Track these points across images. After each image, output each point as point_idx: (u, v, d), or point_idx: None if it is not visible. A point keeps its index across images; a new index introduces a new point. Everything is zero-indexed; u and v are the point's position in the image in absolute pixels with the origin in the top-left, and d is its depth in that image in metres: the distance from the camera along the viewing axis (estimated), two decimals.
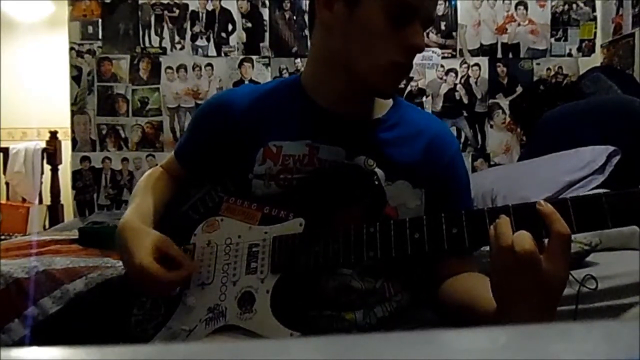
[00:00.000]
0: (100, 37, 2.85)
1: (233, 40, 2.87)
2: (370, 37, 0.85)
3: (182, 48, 2.87)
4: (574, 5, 2.88)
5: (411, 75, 2.86)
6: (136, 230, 0.89)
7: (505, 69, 2.87)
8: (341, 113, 0.93)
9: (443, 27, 2.87)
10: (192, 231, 0.94)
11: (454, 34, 2.87)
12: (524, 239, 0.63)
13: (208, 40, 2.87)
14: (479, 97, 2.88)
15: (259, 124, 0.95)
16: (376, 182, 0.88)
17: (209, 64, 2.87)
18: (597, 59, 2.85)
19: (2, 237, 2.95)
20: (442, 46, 2.87)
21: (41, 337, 1.27)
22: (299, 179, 0.90)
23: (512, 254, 0.63)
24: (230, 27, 2.87)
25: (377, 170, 0.89)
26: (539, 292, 0.64)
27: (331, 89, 0.93)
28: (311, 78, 0.97)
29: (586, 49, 2.88)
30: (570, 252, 0.65)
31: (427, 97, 2.88)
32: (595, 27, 2.87)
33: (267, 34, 2.87)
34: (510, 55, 2.87)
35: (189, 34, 2.87)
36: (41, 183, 3.21)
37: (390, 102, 0.99)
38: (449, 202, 0.94)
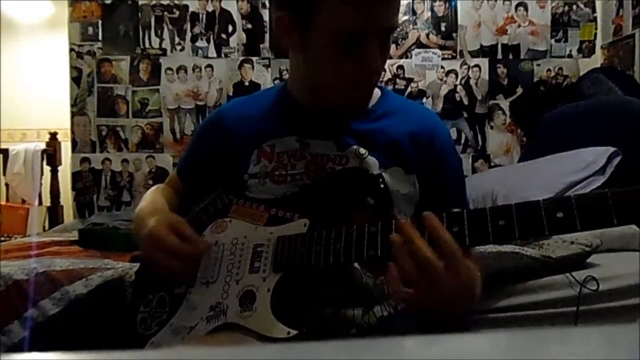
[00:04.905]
0: (100, 38, 2.85)
1: (233, 41, 2.87)
2: (326, 63, 0.89)
3: (182, 49, 2.87)
4: (574, 6, 2.87)
5: (411, 76, 2.86)
6: (153, 210, 0.96)
7: (505, 70, 2.87)
8: (327, 109, 0.96)
9: (443, 28, 2.87)
10: (201, 232, 0.96)
11: (454, 35, 2.87)
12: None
13: (208, 41, 2.87)
14: (479, 98, 2.88)
15: (250, 128, 1.00)
16: (382, 186, 0.91)
17: (209, 65, 2.87)
18: (597, 60, 2.85)
19: (2, 238, 2.94)
20: (442, 47, 2.87)
21: (41, 339, 1.26)
22: (304, 182, 0.93)
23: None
24: (230, 28, 2.87)
25: (382, 173, 0.92)
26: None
27: (314, 93, 0.97)
28: (295, 84, 1.02)
29: (586, 50, 2.88)
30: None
31: (427, 98, 2.87)
32: (596, 28, 2.86)
33: (267, 35, 2.87)
34: (511, 57, 2.87)
35: (189, 35, 2.87)
36: (41, 184, 3.20)
37: (378, 92, 1.02)
38: (441, 188, 0.96)
